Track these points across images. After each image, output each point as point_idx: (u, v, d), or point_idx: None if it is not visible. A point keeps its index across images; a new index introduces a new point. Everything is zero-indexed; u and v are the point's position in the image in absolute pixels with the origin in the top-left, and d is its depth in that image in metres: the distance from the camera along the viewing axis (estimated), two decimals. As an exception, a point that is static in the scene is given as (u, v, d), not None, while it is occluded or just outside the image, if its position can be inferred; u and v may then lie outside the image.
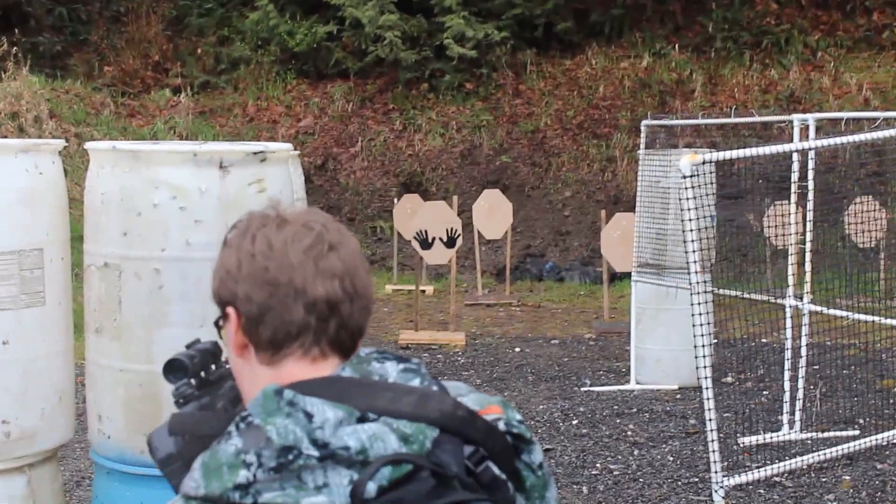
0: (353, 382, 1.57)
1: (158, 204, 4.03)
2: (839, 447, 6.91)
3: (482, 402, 1.66)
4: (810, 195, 7.26)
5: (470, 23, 18.04)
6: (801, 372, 7.39)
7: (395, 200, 14.59)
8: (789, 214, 7.47)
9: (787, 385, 7.51)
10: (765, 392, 8.72)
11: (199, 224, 4.00)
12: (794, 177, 7.29)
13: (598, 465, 7.03)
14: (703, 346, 5.73)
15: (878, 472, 6.79)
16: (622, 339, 10.50)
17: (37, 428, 4.20)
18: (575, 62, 18.89)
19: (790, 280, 7.34)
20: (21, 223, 4.09)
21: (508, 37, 18.40)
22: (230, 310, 1.64)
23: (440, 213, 11.21)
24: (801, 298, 7.35)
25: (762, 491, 6.48)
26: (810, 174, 7.21)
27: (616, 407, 8.43)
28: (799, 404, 7.45)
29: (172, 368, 1.89)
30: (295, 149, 4.47)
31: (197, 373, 1.90)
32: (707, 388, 5.76)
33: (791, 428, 7.51)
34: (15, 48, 17.10)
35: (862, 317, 7.43)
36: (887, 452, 7.14)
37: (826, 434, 7.53)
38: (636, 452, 7.27)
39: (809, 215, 7.34)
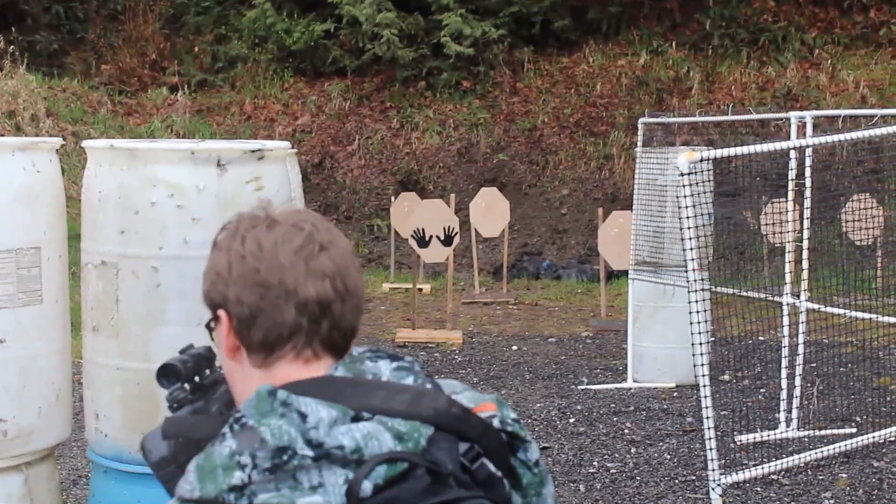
0: (346, 382, 1.57)
1: (156, 202, 4.03)
2: (836, 445, 6.91)
3: (476, 400, 1.65)
4: (807, 193, 7.26)
5: (467, 20, 18.03)
6: (798, 370, 7.40)
7: (393, 199, 14.58)
8: (786, 212, 7.47)
9: (784, 383, 7.52)
10: (762, 390, 8.73)
11: (196, 222, 4.00)
12: (792, 174, 7.29)
13: (595, 463, 7.03)
14: (701, 343, 5.73)
15: (875, 470, 6.79)
16: (619, 337, 10.50)
17: (34, 426, 4.19)
18: (572, 60, 18.89)
19: (787, 278, 7.34)
20: (18, 222, 4.09)
21: (505, 34, 18.40)
22: (221, 312, 1.63)
23: (437, 211, 11.21)
24: (799, 296, 7.35)
25: (759, 489, 6.48)
26: (807, 171, 7.22)
27: (613, 405, 8.43)
28: (796, 402, 7.46)
29: (166, 373, 1.88)
30: (292, 147, 4.47)
31: (191, 377, 1.89)
32: (705, 386, 5.76)
33: (788, 426, 7.51)
34: (12, 46, 17.09)
35: (859, 314, 7.43)
36: (884, 450, 7.15)
37: (823, 432, 7.53)
38: (633, 450, 7.28)
39: (807, 213, 7.34)
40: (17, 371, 4.12)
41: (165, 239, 4.03)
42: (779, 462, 6.64)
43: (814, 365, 8.68)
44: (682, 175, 5.56)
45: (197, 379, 1.90)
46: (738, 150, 6.13)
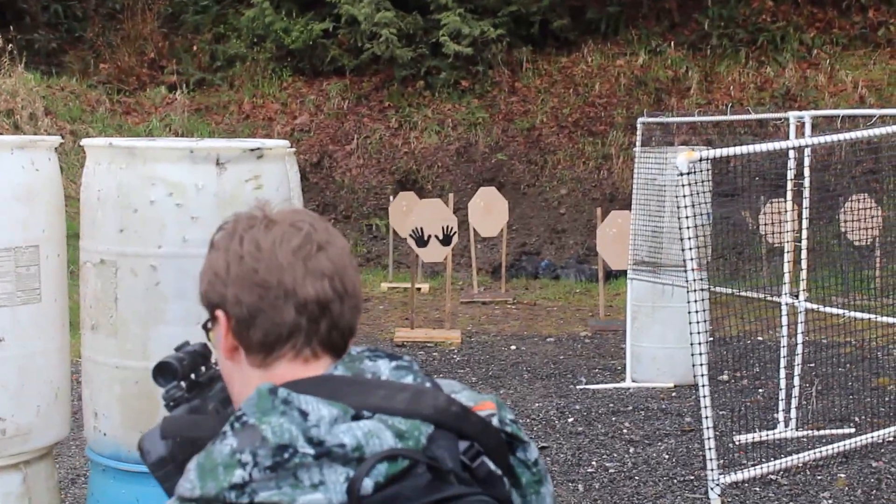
0: (346, 381, 1.57)
1: (155, 201, 4.02)
2: (834, 445, 6.91)
3: (475, 399, 1.65)
4: (806, 193, 7.26)
5: (466, 20, 18.03)
6: (797, 370, 7.40)
7: (391, 198, 14.58)
8: (785, 212, 7.47)
9: (782, 383, 7.52)
10: (760, 390, 8.72)
11: (195, 221, 3.99)
12: (790, 174, 7.29)
13: (593, 462, 7.03)
14: (700, 343, 5.73)
15: (874, 470, 6.79)
16: (618, 337, 10.50)
17: (32, 425, 4.19)
18: (571, 59, 18.89)
19: (786, 278, 7.34)
20: (17, 220, 4.08)
21: (504, 34, 18.40)
22: (219, 313, 1.63)
23: (436, 210, 11.21)
24: (797, 296, 7.35)
25: (757, 489, 6.48)
26: (806, 171, 7.21)
27: (612, 405, 8.43)
28: (794, 402, 7.46)
29: (162, 372, 1.88)
30: (291, 146, 4.46)
31: (187, 375, 1.89)
32: (703, 386, 5.76)
33: (786, 426, 7.51)
34: (10, 45, 17.08)
35: (857, 314, 7.43)
36: (882, 450, 7.15)
37: (821, 432, 7.53)
38: (632, 450, 7.28)
39: (805, 213, 7.34)
40: (15, 369, 4.11)
41: (164, 237, 4.02)
42: (777, 462, 6.64)
43: (812, 365, 8.69)
44: (682, 175, 5.55)
45: (193, 376, 1.90)
46: (738, 150, 6.13)
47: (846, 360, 9.17)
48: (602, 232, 11.03)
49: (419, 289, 12.97)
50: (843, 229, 9.85)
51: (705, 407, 5.78)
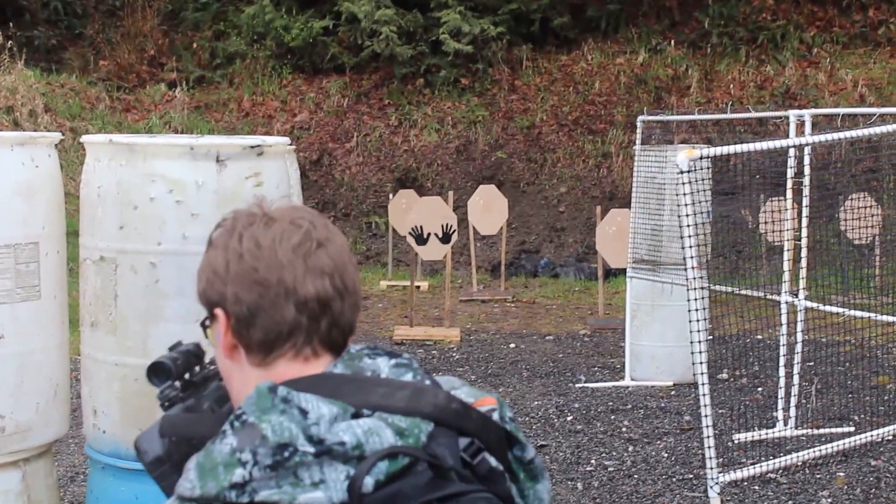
0: (345, 379, 1.57)
1: (155, 197, 4.02)
2: (834, 444, 6.91)
3: (476, 395, 1.65)
4: (806, 191, 7.26)
5: (466, 18, 18.02)
6: (796, 368, 7.39)
7: (391, 196, 14.57)
8: (785, 211, 7.47)
9: (781, 381, 7.52)
10: (759, 389, 8.72)
11: (195, 218, 3.99)
12: (790, 172, 7.29)
13: (592, 461, 7.03)
14: (700, 342, 5.72)
15: (873, 469, 6.79)
16: (617, 336, 10.50)
17: (32, 422, 4.19)
18: (571, 58, 18.89)
19: (785, 276, 7.34)
20: (17, 217, 4.08)
21: (504, 32, 18.39)
22: (218, 311, 1.62)
23: (435, 208, 11.21)
24: (797, 295, 7.35)
25: (756, 487, 6.48)
26: (806, 170, 7.21)
27: (611, 403, 8.43)
28: (794, 401, 7.46)
29: (156, 372, 1.88)
30: (291, 143, 4.46)
31: (181, 375, 1.89)
32: (703, 385, 5.75)
33: (786, 424, 7.51)
34: (10, 42, 17.07)
35: (857, 313, 7.43)
36: (881, 449, 7.15)
37: (820, 431, 7.53)
38: (631, 449, 7.28)
39: (805, 211, 7.34)
40: (14, 367, 4.11)
41: (164, 234, 4.02)
42: (776, 461, 6.64)
43: (811, 364, 8.69)
44: (682, 173, 5.55)
45: (187, 376, 1.90)
46: (738, 148, 6.13)
47: (845, 359, 9.17)
48: (601, 230, 11.03)
49: (418, 287, 12.97)
50: (842, 228, 9.84)
51: (705, 405, 5.77)
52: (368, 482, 1.45)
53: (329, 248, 1.60)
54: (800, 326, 7.34)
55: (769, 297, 7.61)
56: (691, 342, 5.73)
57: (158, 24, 20.07)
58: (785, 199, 7.47)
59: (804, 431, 7.49)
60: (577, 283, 14.27)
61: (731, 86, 17.75)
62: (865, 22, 18.53)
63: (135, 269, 4.05)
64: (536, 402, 8.40)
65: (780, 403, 7.54)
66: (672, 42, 18.57)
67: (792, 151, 7.20)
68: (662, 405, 8.38)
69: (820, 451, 6.81)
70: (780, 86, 17.53)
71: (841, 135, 6.62)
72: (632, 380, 9.08)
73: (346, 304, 1.61)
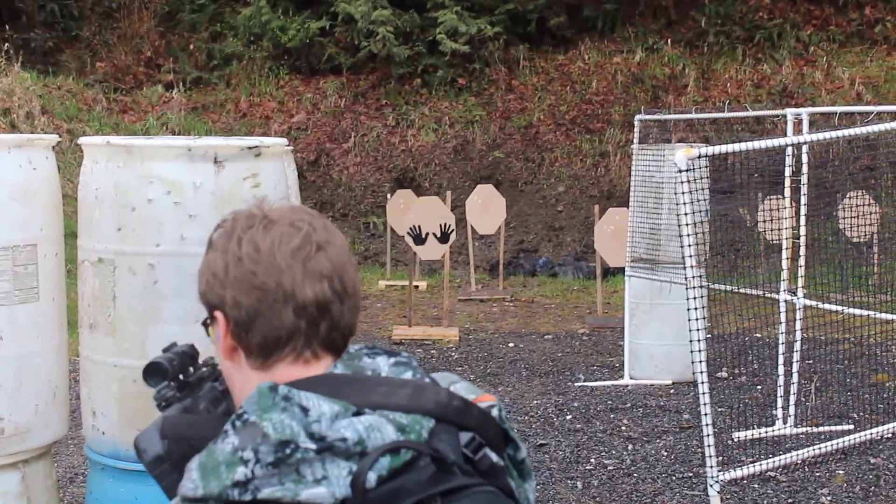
0: (346, 379, 1.57)
1: (153, 199, 4.02)
2: (833, 442, 6.91)
3: (474, 391, 1.66)
4: (804, 189, 7.26)
5: (463, 18, 18.02)
6: (795, 367, 7.40)
7: (389, 196, 14.57)
8: (783, 209, 7.47)
9: (780, 380, 7.52)
10: (758, 387, 8.72)
11: (193, 219, 3.99)
12: (788, 171, 7.29)
13: (592, 460, 7.03)
14: (699, 340, 5.72)
15: (872, 467, 6.79)
16: (616, 334, 10.50)
17: (31, 424, 4.18)
18: (568, 57, 18.89)
19: (784, 274, 7.34)
20: (15, 219, 4.08)
21: (501, 32, 18.39)
22: (218, 314, 1.63)
23: (433, 208, 11.20)
24: (795, 293, 7.35)
25: (756, 486, 6.48)
26: (804, 168, 7.21)
27: (610, 402, 8.43)
28: (793, 399, 7.46)
29: (152, 372, 1.88)
30: (288, 144, 4.45)
31: (176, 375, 1.89)
32: (703, 383, 5.75)
33: (785, 423, 7.51)
34: (7, 44, 17.06)
35: (855, 311, 7.43)
36: (881, 447, 7.15)
37: (820, 429, 7.53)
38: (630, 447, 7.28)
39: (803, 210, 7.34)
40: (13, 369, 4.11)
41: (162, 236, 4.02)
42: (776, 459, 6.64)
43: (810, 362, 8.69)
44: (680, 171, 5.55)
45: (182, 377, 1.90)
46: (736, 147, 6.13)
47: (844, 357, 9.18)
48: (600, 229, 11.03)
49: (417, 286, 12.97)
50: (840, 226, 9.85)
51: (704, 404, 5.77)
52: (371, 477, 1.45)
53: (328, 250, 1.60)
54: (798, 324, 7.35)
55: (768, 295, 7.61)
56: (690, 341, 5.73)
57: (155, 25, 20.06)
58: (783, 198, 7.47)
59: (803, 429, 7.49)
60: (576, 282, 14.27)
61: (729, 84, 17.75)
62: (862, 20, 18.53)
63: (133, 271, 4.05)
64: (535, 402, 8.39)
65: (780, 401, 7.54)
66: (669, 41, 18.58)
67: (790, 150, 7.20)
68: (661, 404, 8.38)
69: (819, 449, 6.81)
70: (777, 84, 17.53)
71: (838, 133, 6.62)
72: (631, 378, 9.08)
73: (345, 306, 1.61)
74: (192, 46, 19.88)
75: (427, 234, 10.97)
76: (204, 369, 1.90)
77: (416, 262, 13.03)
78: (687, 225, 5.63)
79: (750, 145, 6.15)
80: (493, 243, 15.24)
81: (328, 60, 18.83)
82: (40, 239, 4.16)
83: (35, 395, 4.19)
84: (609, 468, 6.86)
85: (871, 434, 7.09)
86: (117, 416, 4.15)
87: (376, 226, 16.38)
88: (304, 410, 1.49)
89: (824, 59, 17.86)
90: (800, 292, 7.34)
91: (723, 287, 7.99)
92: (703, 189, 6.78)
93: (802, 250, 7.34)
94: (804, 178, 7.24)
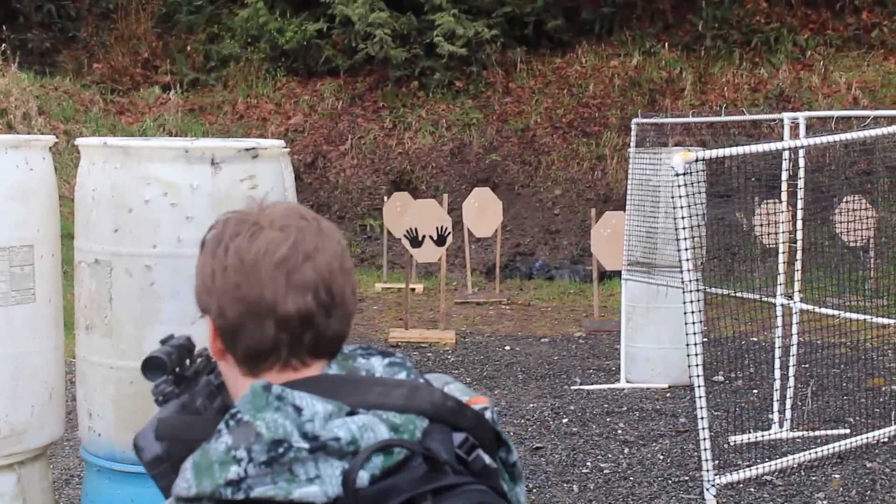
0: (341, 380, 1.57)
1: (150, 200, 4.01)
2: (829, 446, 6.92)
3: (468, 393, 1.67)
4: (800, 194, 7.26)
5: (460, 21, 18.03)
6: (792, 371, 7.40)
7: (385, 198, 14.57)
8: (779, 213, 7.47)
9: (777, 384, 7.52)
10: (754, 391, 8.73)
11: (190, 220, 3.98)
12: (785, 175, 7.30)
13: (588, 463, 7.03)
14: (695, 344, 5.73)
15: (868, 471, 6.80)
16: (612, 338, 10.50)
17: (27, 425, 4.18)
18: (565, 60, 18.90)
19: (780, 279, 7.34)
20: (11, 219, 4.07)
21: (498, 35, 18.40)
22: (207, 319, 1.63)
23: (430, 211, 11.20)
24: (792, 297, 7.35)
25: (752, 489, 6.48)
26: (801, 172, 7.22)
27: (606, 405, 8.42)
28: (789, 403, 7.46)
29: (151, 367, 1.88)
30: (285, 146, 4.45)
31: (174, 369, 1.89)
32: (699, 387, 5.76)
33: (781, 427, 7.51)
34: (3, 45, 17.05)
35: (852, 315, 7.43)
36: (877, 451, 7.15)
37: (816, 433, 7.54)
38: (626, 451, 7.27)
39: (799, 214, 7.34)
40: (10, 370, 4.10)
41: (159, 237, 4.01)
42: (772, 463, 6.64)
43: (807, 366, 8.69)
44: (678, 175, 5.55)
45: (179, 370, 1.90)
46: (734, 151, 6.13)
47: (840, 361, 9.18)
48: (596, 232, 11.03)
49: (413, 289, 12.97)
50: (837, 230, 9.85)
51: (701, 408, 5.77)
52: (363, 476, 1.46)
53: (316, 259, 1.58)
54: (795, 328, 7.35)
55: (764, 299, 7.61)
56: (687, 344, 5.74)
57: (152, 26, 20.05)
58: (779, 202, 7.47)
59: (800, 433, 7.50)
60: (572, 286, 14.27)
61: (725, 88, 17.77)
62: (859, 25, 18.55)
63: (130, 272, 4.04)
64: (532, 405, 8.39)
65: (776, 405, 7.54)
66: (666, 45, 18.59)
67: (786, 154, 7.21)
68: (658, 407, 8.38)
69: (815, 453, 6.82)
70: (774, 88, 17.55)
71: (835, 137, 6.63)
72: (627, 382, 9.08)
73: (332, 317, 1.60)
74: (189, 48, 19.87)
75: (424, 237, 10.97)
76: (199, 360, 1.90)
77: (413, 264, 13.03)
78: (684, 228, 5.63)
79: (747, 149, 6.16)
80: (490, 246, 15.25)
81: (325, 62, 18.83)
82: (37, 240, 4.16)
83: (31, 397, 4.18)
84: (605, 472, 6.86)
85: (868, 438, 7.09)
86: (114, 417, 4.14)
87: (373, 228, 16.38)
88: (298, 410, 1.49)
89: (821, 63, 17.88)
90: (796, 296, 7.34)
91: (719, 291, 7.99)
92: (699, 193, 6.79)
93: (799, 254, 7.34)
94: (801, 182, 7.24)
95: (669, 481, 6.67)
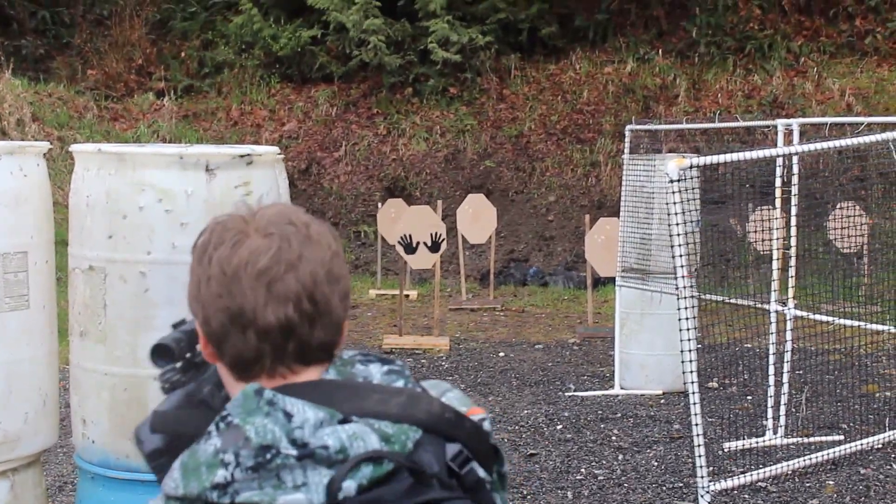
0: (338, 386, 1.57)
1: (144, 207, 4.01)
2: (823, 452, 6.92)
3: (466, 403, 1.66)
4: (794, 200, 7.27)
5: (454, 27, 18.04)
6: (785, 377, 7.40)
7: (379, 205, 14.57)
8: (773, 219, 7.48)
9: (771, 390, 7.52)
10: (749, 397, 8.73)
11: (185, 227, 3.98)
12: (778, 182, 7.31)
13: (582, 470, 7.02)
14: (690, 350, 5.73)
15: (862, 477, 6.80)
16: (606, 344, 10.50)
17: (20, 432, 4.17)
18: (559, 67, 18.92)
19: (774, 285, 7.35)
20: (5, 226, 4.07)
21: (493, 41, 18.42)
22: (197, 325, 1.64)
23: (424, 217, 11.20)
24: (785, 303, 7.36)
25: (746, 496, 6.48)
26: (794, 179, 7.23)
27: (600, 412, 8.42)
28: (783, 409, 7.47)
29: (159, 353, 1.86)
30: (280, 152, 4.45)
31: (183, 355, 1.88)
32: (693, 393, 5.76)
33: (775, 433, 7.52)
34: (-3, 51, 17.04)
35: (845, 322, 7.44)
36: (871, 457, 7.16)
37: (810, 439, 7.54)
38: (621, 457, 7.27)
39: (793, 220, 7.35)
40: (3, 376, 4.09)
41: (153, 244, 4.01)
42: (766, 469, 6.64)
43: (801, 372, 8.70)
44: (672, 182, 5.55)
45: (189, 355, 1.89)
46: (728, 157, 6.14)
47: (834, 368, 9.19)
48: (590, 239, 11.04)
49: (407, 295, 12.96)
50: (830, 237, 9.86)
51: (695, 414, 5.77)
52: (351, 486, 1.45)
53: (300, 268, 1.56)
54: (789, 335, 7.35)
55: (758, 305, 7.62)
56: (681, 351, 5.74)
57: (146, 33, 20.05)
58: (773, 208, 7.48)
59: (794, 440, 7.50)
60: (566, 292, 14.28)
61: (719, 95, 17.79)
62: (852, 31, 18.59)
63: (124, 279, 4.04)
64: (526, 411, 8.39)
65: (770, 412, 7.55)
66: (660, 51, 18.62)
67: (780, 160, 7.22)
68: (652, 414, 8.38)
69: (809, 459, 6.82)
70: (768, 95, 17.58)
71: (829, 144, 6.63)
72: (621, 388, 9.08)
73: (316, 326, 1.58)
74: (183, 54, 19.86)
75: (418, 244, 10.97)
76: None
77: (407, 271, 13.03)
78: (678, 235, 5.64)
79: (741, 156, 6.16)
80: (484, 252, 15.25)
81: (319, 69, 18.84)
82: (31, 246, 4.15)
83: (25, 403, 4.17)
84: (599, 478, 6.86)
85: (861, 445, 7.10)
86: (108, 424, 4.13)
87: (367, 235, 16.38)
88: (288, 416, 1.49)
89: (815, 69, 17.92)
90: (790, 303, 7.35)
91: (713, 297, 8.00)
92: (694, 199, 6.80)
93: (793, 261, 7.35)
94: (794, 189, 7.25)
95: (664, 488, 6.67)
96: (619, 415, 8.35)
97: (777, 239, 7.32)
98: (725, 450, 7.30)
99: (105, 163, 4.10)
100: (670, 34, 19.16)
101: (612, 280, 10.13)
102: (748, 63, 18.32)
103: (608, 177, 16.58)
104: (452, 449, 1.55)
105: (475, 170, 17.22)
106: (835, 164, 10.55)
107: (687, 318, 5.76)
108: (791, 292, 7.36)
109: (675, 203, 5.58)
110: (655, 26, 19.30)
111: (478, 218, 13.37)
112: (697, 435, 5.80)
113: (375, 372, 1.61)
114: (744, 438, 7.50)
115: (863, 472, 6.91)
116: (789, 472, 6.76)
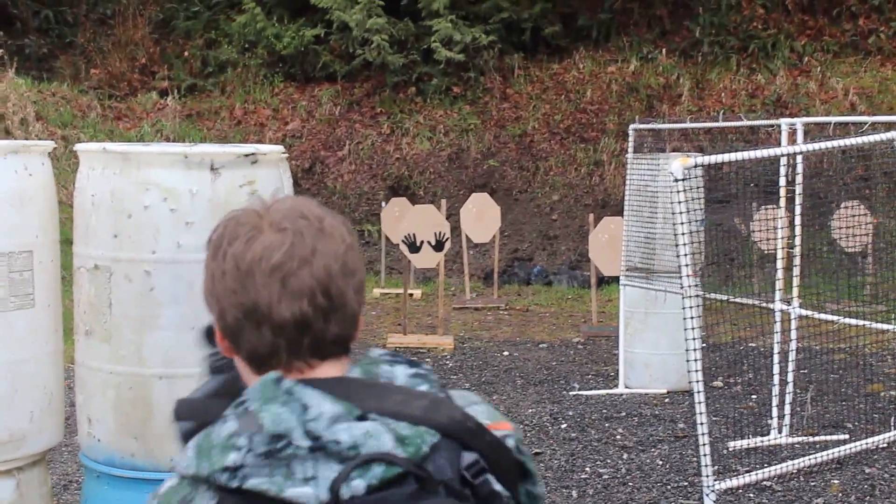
0: (360, 384, 1.56)
1: (149, 206, 4.00)
2: (828, 451, 6.91)
3: (493, 416, 1.63)
4: (798, 199, 7.26)
5: (457, 26, 18.03)
6: (790, 376, 7.40)
7: (383, 204, 14.57)
8: (777, 218, 7.47)
9: (775, 389, 7.52)
10: (753, 396, 8.72)
11: (190, 226, 3.97)
12: (783, 181, 7.30)
13: (587, 468, 7.02)
14: (695, 349, 5.72)
15: (867, 476, 6.79)
16: (611, 343, 10.50)
17: (26, 431, 4.17)
18: (562, 66, 18.91)
19: (778, 284, 7.34)
20: (10, 225, 4.07)
21: (496, 41, 18.41)
22: (213, 319, 1.64)
23: (428, 216, 11.20)
24: (790, 302, 7.35)
25: (752, 495, 6.48)
26: (798, 178, 7.22)
27: (605, 411, 8.42)
28: (788, 408, 7.46)
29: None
30: (283, 152, 4.45)
31: None
32: (698, 392, 5.75)
33: (780, 432, 7.51)
34: (1, 50, 17.04)
35: (850, 321, 7.43)
36: (875, 456, 7.15)
37: (815, 438, 7.53)
38: (625, 456, 7.27)
39: (797, 220, 7.34)
40: (8, 375, 4.10)
41: (159, 243, 4.00)
42: (771, 468, 6.63)
43: (805, 371, 8.69)
44: (677, 181, 5.55)
45: None
46: (732, 157, 6.13)
47: (839, 367, 9.18)
48: (594, 238, 11.03)
49: (411, 294, 12.96)
50: (835, 236, 9.85)
51: (700, 413, 5.77)
52: (360, 484, 1.44)
53: (314, 263, 1.55)
54: (793, 334, 7.35)
55: (763, 304, 7.61)
56: (686, 350, 5.73)
57: (150, 32, 20.05)
58: (777, 208, 7.48)
59: (799, 439, 7.50)
60: (570, 291, 14.27)
61: (723, 94, 17.78)
62: (856, 31, 18.57)
63: (129, 278, 4.04)
64: (531, 410, 8.39)
65: (775, 411, 7.54)
66: (663, 51, 18.60)
67: (784, 160, 7.21)
68: (656, 413, 8.37)
69: (814, 458, 6.81)
70: (772, 94, 17.56)
71: (833, 143, 6.62)
72: (626, 387, 9.07)
73: (331, 320, 1.57)
74: (186, 53, 19.87)
75: (422, 243, 10.97)
76: None
77: (411, 270, 13.02)
78: (683, 234, 5.63)
79: (745, 155, 6.15)
80: (488, 252, 15.24)
81: (323, 68, 18.84)
82: (36, 245, 4.15)
83: (30, 402, 4.18)
84: (604, 477, 6.86)
85: (866, 444, 7.09)
86: (113, 423, 4.13)
87: (371, 234, 16.38)
88: (305, 407, 1.49)
89: (818, 69, 17.90)
90: (795, 302, 7.34)
91: (718, 296, 7.99)
92: (698, 198, 6.79)
93: (797, 260, 7.34)
94: (799, 188, 7.24)
95: (668, 487, 6.66)
96: (624, 414, 8.34)
97: (781, 238, 7.31)
98: (730, 449, 7.30)
99: (110, 162, 4.10)
100: (674, 33, 19.14)
101: (616, 279, 10.13)
102: (752, 62, 18.30)
103: (612, 176, 16.57)
104: (469, 458, 1.53)
105: (479, 169, 17.22)
106: (839, 163, 10.55)
107: (692, 318, 5.75)
108: (795, 291, 7.36)
109: (679, 202, 5.57)
110: (659, 26, 19.29)
111: (482, 217, 13.37)
112: (702, 434, 5.79)
113: (401, 374, 1.59)
114: (749, 437, 7.50)
115: (868, 471, 6.90)
116: (794, 471, 6.75)
